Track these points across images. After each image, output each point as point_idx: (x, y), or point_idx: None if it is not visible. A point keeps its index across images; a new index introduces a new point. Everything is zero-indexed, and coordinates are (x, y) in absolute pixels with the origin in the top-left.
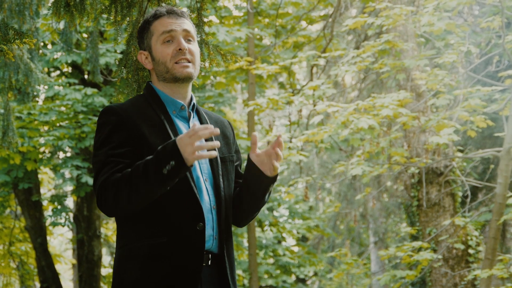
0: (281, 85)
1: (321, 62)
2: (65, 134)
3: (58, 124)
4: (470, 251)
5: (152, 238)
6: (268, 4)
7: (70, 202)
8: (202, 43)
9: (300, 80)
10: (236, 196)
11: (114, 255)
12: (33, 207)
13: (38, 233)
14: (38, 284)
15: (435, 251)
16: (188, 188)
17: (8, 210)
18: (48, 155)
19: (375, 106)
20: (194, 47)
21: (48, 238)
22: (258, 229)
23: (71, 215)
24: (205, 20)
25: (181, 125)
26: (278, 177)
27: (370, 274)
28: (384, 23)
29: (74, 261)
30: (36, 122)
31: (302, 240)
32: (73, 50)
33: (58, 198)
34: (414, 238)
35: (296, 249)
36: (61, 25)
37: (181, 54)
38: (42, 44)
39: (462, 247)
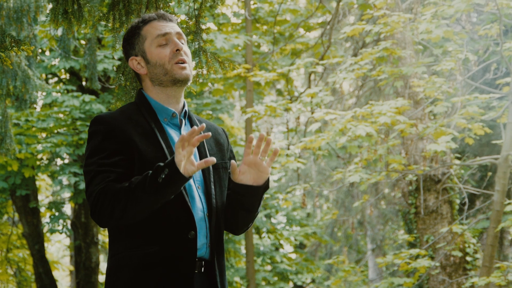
0: (279, 92)
1: (319, 69)
2: (62, 141)
3: (55, 131)
4: (468, 258)
5: (144, 246)
6: (266, 11)
7: (67, 209)
8: (200, 50)
9: (298, 87)
10: (229, 207)
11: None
12: (31, 213)
13: (35, 239)
14: None
15: (432, 258)
16: (180, 196)
17: (5, 217)
18: (46, 161)
19: (372, 113)
20: (187, 49)
21: (45, 244)
22: (255, 236)
23: (68, 222)
24: (203, 27)
25: (172, 133)
26: (276, 184)
27: (367, 281)
28: (382, 31)
29: (72, 268)
30: (33, 129)
31: (300, 247)
32: (71, 57)
33: (55, 205)
34: (411, 245)
35: (293, 256)
36: (59, 32)
37: (179, 54)
38: (40, 51)
39: (459, 254)
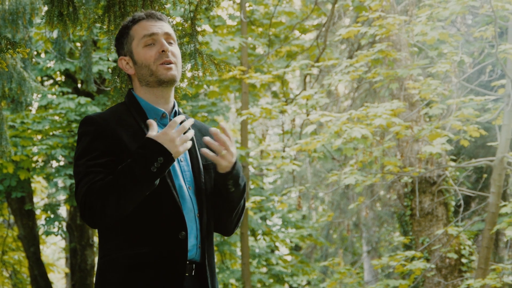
0: (275, 94)
1: (315, 71)
2: (58, 143)
3: (51, 133)
4: (463, 260)
5: (133, 247)
6: (261, 13)
7: (63, 211)
8: (196, 53)
9: (293, 90)
10: (214, 204)
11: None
12: (26, 216)
13: (31, 242)
14: None
15: (428, 260)
16: (170, 196)
17: (1, 219)
18: (41, 164)
19: (368, 115)
20: (176, 49)
21: (41, 247)
22: (251, 238)
23: (64, 224)
24: (199, 29)
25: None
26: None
27: (363, 283)
28: (378, 33)
29: (67, 270)
30: (29, 131)
31: (295, 249)
32: (67, 59)
33: (51, 207)
34: (407, 247)
35: (289, 258)
36: (55, 34)
37: (165, 55)
38: (35, 53)
39: (455, 256)
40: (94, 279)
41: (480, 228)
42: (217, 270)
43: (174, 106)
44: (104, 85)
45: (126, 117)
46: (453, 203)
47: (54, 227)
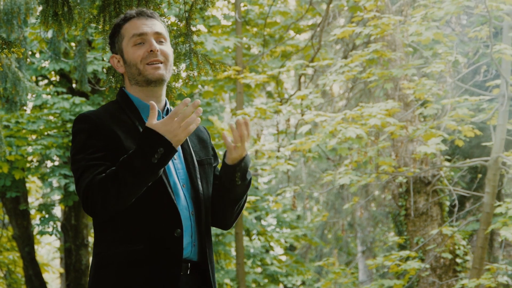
0: (269, 94)
1: (309, 71)
2: (53, 143)
3: (46, 133)
4: (458, 260)
5: (128, 245)
6: (256, 13)
7: (57, 211)
8: (191, 52)
9: (288, 90)
10: (216, 198)
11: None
12: (21, 216)
13: (25, 242)
14: None
15: (422, 260)
16: (165, 193)
17: None
18: (36, 164)
19: (363, 115)
20: (167, 48)
21: (35, 247)
22: (246, 238)
23: (58, 224)
24: (194, 29)
25: None
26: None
27: (357, 283)
28: (372, 33)
29: (62, 270)
30: (24, 131)
31: (290, 249)
32: (61, 59)
33: (45, 207)
34: (401, 247)
35: (284, 258)
36: (49, 34)
37: (153, 55)
38: (30, 53)
39: (449, 256)
40: (89, 275)
41: (475, 228)
42: None
43: (166, 104)
44: (99, 85)
45: (120, 114)
46: (448, 203)
47: (48, 227)
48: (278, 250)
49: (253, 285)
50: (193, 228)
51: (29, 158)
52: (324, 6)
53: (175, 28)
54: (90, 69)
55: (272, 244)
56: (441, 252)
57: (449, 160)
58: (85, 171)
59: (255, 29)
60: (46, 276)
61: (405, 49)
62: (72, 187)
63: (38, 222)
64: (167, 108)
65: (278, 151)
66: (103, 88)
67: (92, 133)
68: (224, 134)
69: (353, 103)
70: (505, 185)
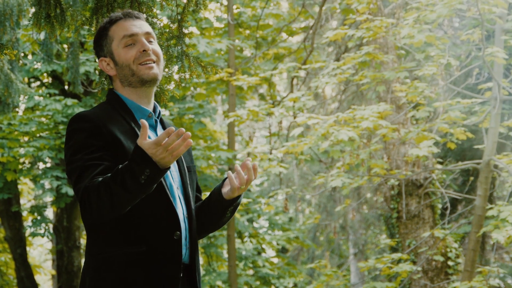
0: (262, 97)
1: (302, 73)
2: (45, 145)
3: (38, 135)
4: (450, 263)
5: (130, 246)
6: (248, 15)
7: (50, 212)
8: (183, 55)
9: (280, 92)
10: (197, 211)
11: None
12: (13, 217)
13: (17, 243)
14: None
15: (414, 263)
16: (164, 196)
17: None
18: (28, 165)
19: (355, 118)
20: (157, 47)
21: (27, 248)
22: (237, 240)
23: (50, 225)
24: (186, 31)
25: (149, 133)
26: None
27: (349, 285)
28: (365, 35)
29: (54, 272)
30: (16, 133)
31: (282, 251)
32: (54, 61)
33: (38, 209)
34: (393, 249)
35: (275, 260)
36: (42, 36)
37: (146, 55)
38: (22, 54)
39: (441, 259)
40: (82, 277)
41: (467, 231)
42: (203, 272)
43: (155, 106)
44: (91, 87)
45: (115, 115)
46: (440, 205)
47: (40, 229)
48: (270, 252)
49: (245, 287)
50: (187, 231)
51: (21, 160)
52: (316, 9)
53: (167, 30)
54: (82, 70)
55: (264, 246)
56: (433, 254)
57: (441, 163)
58: (83, 172)
59: (247, 32)
60: (38, 278)
61: (397, 51)
62: (64, 189)
63: (30, 224)
64: (159, 110)
65: (271, 153)
66: (96, 90)
67: (92, 132)
68: (229, 174)
69: (346, 105)
70: (497, 188)
